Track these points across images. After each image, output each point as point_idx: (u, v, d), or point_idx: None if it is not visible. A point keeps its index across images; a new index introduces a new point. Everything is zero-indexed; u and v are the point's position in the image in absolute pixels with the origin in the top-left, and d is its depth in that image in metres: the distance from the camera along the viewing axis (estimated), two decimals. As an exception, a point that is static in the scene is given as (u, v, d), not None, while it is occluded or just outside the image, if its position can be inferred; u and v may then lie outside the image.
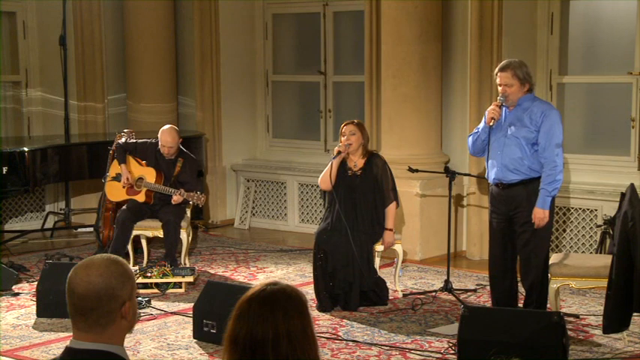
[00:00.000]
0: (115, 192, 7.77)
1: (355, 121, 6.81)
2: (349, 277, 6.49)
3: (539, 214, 5.76)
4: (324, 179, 6.66)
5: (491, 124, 5.91)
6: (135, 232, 7.62)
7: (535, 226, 5.78)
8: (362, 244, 6.53)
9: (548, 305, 5.94)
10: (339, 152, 6.63)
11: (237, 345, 2.16)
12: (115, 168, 7.77)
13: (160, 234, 7.65)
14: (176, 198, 7.44)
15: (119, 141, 7.77)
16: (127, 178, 7.63)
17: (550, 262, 5.96)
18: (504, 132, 5.91)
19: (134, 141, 7.81)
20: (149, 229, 7.67)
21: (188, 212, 7.84)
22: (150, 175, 7.65)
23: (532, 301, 5.93)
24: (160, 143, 7.60)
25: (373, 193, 6.67)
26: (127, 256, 7.55)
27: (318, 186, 7.06)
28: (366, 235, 6.58)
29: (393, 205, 6.72)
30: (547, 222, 5.81)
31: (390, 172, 6.77)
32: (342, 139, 6.67)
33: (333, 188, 6.62)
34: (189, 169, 7.71)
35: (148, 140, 7.80)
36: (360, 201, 6.63)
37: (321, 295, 6.53)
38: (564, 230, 7.97)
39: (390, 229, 6.69)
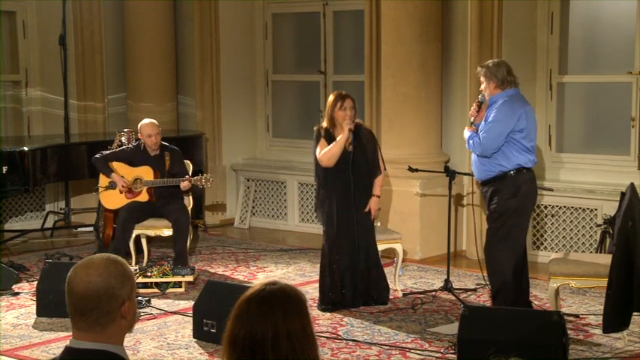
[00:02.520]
0: (113, 200, 7.71)
1: (344, 92, 6.65)
2: (356, 278, 6.53)
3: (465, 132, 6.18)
4: (331, 156, 6.46)
5: (471, 120, 6.20)
6: (136, 232, 7.62)
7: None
8: (366, 227, 6.53)
9: (548, 305, 5.94)
10: (350, 130, 6.45)
11: (237, 345, 2.16)
12: (104, 179, 7.74)
13: (162, 233, 7.65)
14: (185, 184, 7.46)
15: (95, 156, 7.71)
16: (124, 183, 7.61)
17: (550, 261, 5.97)
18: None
19: (111, 151, 7.78)
20: (151, 229, 7.67)
21: (189, 210, 7.82)
22: (146, 173, 7.63)
23: (499, 298, 5.97)
24: (144, 136, 7.57)
25: (367, 165, 6.60)
26: (128, 255, 7.56)
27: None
28: (366, 215, 6.55)
29: (381, 176, 6.72)
30: (506, 219, 5.91)
31: (377, 142, 6.77)
32: (343, 112, 6.46)
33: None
34: (177, 160, 7.74)
35: (126, 147, 7.79)
36: (357, 175, 6.53)
37: (327, 297, 6.51)
38: (564, 229, 7.97)
39: (378, 196, 6.67)
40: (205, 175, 7.59)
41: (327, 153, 6.48)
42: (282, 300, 2.18)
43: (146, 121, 7.68)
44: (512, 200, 5.90)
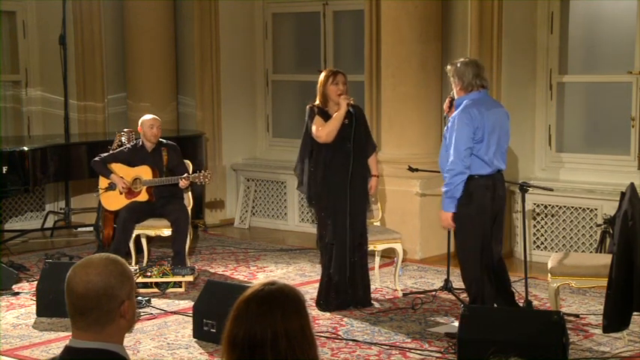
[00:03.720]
0: (114, 201, 7.72)
1: (336, 69, 6.64)
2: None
3: (440, 216, 5.89)
4: (330, 132, 6.38)
5: (444, 114, 6.22)
6: (136, 232, 7.62)
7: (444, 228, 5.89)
8: (361, 205, 6.52)
9: (548, 305, 5.94)
10: (349, 104, 6.41)
11: (236, 345, 2.16)
12: (104, 181, 7.75)
13: (162, 233, 7.65)
14: (183, 182, 7.48)
15: (94, 159, 7.73)
16: (124, 184, 7.62)
17: (550, 261, 5.97)
18: None
19: (110, 153, 7.80)
20: (151, 229, 7.67)
21: (189, 209, 7.82)
22: (145, 172, 7.65)
23: (474, 301, 5.94)
24: (145, 127, 7.61)
25: (362, 141, 6.56)
26: (128, 255, 7.56)
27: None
28: (361, 196, 6.53)
29: (375, 154, 6.73)
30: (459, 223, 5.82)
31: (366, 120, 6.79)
32: (335, 87, 6.41)
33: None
34: (175, 154, 7.76)
35: (124, 147, 7.81)
36: (352, 150, 6.48)
37: (330, 296, 6.51)
38: (564, 229, 7.96)
39: (377, 176, 6.72)
40: (203, 171, 7.59)
41: (326, 128, 6.41)
42: (280, 300, 2.17)
43: (147, 116, 7.75)
44: (465, 206, 5.79)
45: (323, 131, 6.42)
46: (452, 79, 5.89)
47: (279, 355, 2.12)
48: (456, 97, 5.91)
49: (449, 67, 5.95)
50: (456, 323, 5.58)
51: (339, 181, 6.45)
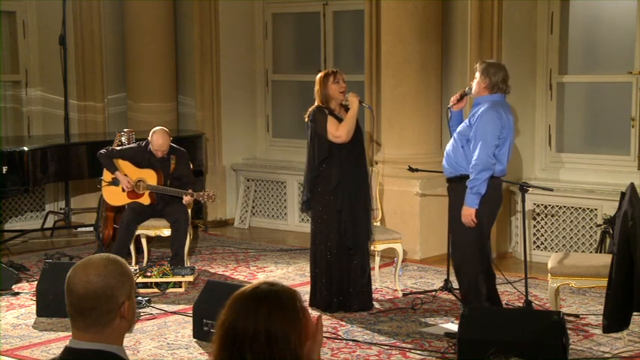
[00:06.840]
0: (115, 197, 7.72)
1: (332, 69, 6.65)
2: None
3: (463, 212, 5.79)
4: (349, 130, 6.38)
5: (449, 105, 6.16)
6: (137, 232, 7.62)
7: (466, 224, 5.80)
8: (366, 202, 6.52)
9: (548, 305, 5.94)
10: (360, 102, 6.44)
11: (223, 331, 2.13)
12: (108, 174, 7.74)
13: (162, 233, 7.65)
14: (187, 199, 7.45)
15: (101, 151, 7.72)
16: (128, 183, 7.60)
17: (550, 261, 5.97)
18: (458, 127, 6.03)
19: (118, 148, 7.79)
20: (152, 229, 7.67)
21: (189, 211, 7.82)
22: (150, 176, 7.62)
23: (467, 300, 5.92)
24: (152, 147, 7.57)
25: (362, 139, 6.58)
26: (128, 255, 7.56)
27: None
28: (367, 194, 6.54)
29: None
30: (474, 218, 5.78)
31: None
32: (337, 85, 6.41)
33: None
34: (183, 163, 7.74)
35: (134, 145, 7.80)
36: (359, 148, 6.51)
37: (328, 297, 6.51)
38: (564, 229, 7.97)
39: None
40: (208, 190, 7.58)
41: (344, 127, 6.39)
42: (271, 300, 2.12)
43: (159, 133, 7.58)
44: (479, 204, 5.79)
45: (343, 130, 6.39)
46: (479, 76, 5.86)
47: (257, 354, 2.07)
48: (475, 93, 5.91)
49: (479, 64, 5.95)
50: (456, 323, 5.59)
51: (357, 179, 6.45)
